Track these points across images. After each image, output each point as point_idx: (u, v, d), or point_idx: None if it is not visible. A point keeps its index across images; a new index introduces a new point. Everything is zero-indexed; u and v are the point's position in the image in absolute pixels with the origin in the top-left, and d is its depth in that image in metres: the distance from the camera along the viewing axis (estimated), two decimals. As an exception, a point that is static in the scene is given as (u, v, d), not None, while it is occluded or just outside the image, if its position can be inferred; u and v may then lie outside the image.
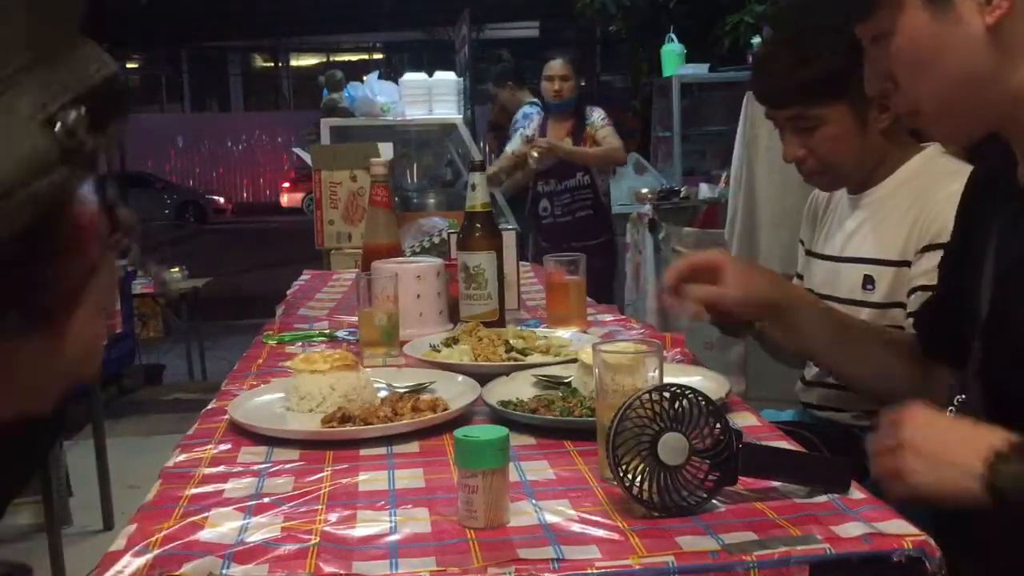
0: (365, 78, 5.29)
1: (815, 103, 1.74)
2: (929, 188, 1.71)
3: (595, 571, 0.93)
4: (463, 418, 1.42)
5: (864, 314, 1.75)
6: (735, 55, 6.30)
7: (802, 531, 0.99)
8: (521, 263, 2.35)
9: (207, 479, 1.20)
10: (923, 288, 1.61)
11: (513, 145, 5.00)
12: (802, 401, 2.01)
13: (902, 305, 1.73)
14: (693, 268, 1.54)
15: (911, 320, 1.62)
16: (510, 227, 2.18)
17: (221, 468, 1.25)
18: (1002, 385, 1.19)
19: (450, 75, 5.44)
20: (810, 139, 1.77)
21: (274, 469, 1.24)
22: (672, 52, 6.35)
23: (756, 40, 5.38)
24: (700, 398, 1.08)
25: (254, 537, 1.01)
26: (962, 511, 1.10)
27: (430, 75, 5.34)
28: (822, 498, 1.08)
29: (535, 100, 5.88)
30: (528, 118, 5.04)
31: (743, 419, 1.38)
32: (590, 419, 1.27)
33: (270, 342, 2.00)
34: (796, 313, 1.55)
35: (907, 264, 1.72)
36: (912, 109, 1.22)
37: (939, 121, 1.22)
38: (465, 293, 1.95)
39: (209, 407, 1.54)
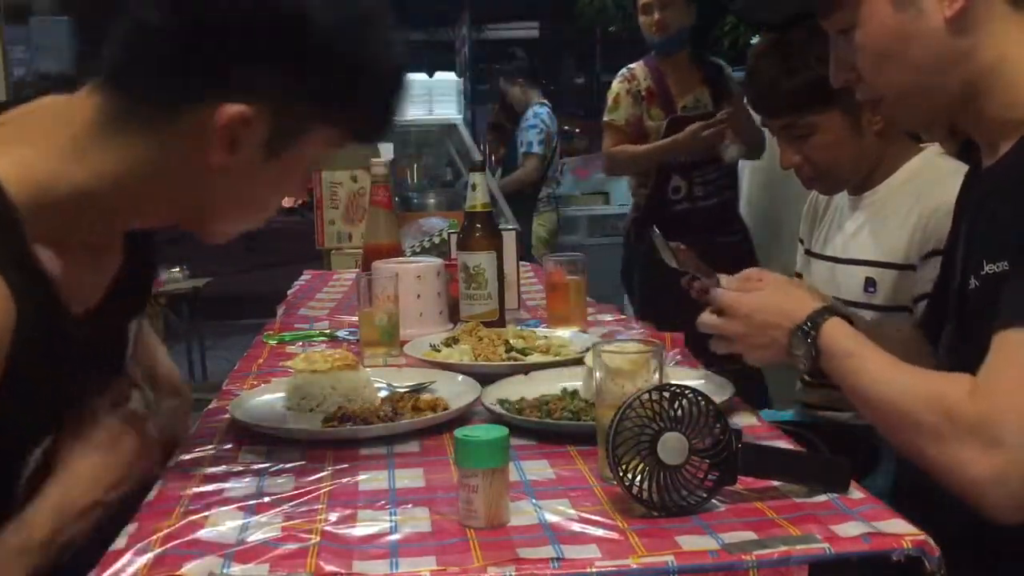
0: (365, 78, 5.27)
1: (805, 112, 1.74)
2: (930, 190, 1.71)
3: (595, 570, 0.93)
4: (463, 418, 1.42)
5: (867, 317, 1.75)
6: (735, 55, 6.31)
7: (801, 531, 0.99)
8: (521, 263, 2.35)
9: (208, 478, 1.20)
10: (930, 295, 1.61)
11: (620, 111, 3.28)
12: (802, 401, 2.01)
13: (907, 310, 1.72)
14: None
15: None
16: (510, 227, 2.18)
17: (222, 467, 1.25)
18: (966, 360, 1.22)
19: (450, 75, 5.45)
20: (804, 146, 1.78)
21: (275, 468, 1.24)
22: (672, 52, 6.33)
23: (756, 40, 5.37)
24: (700, 398, 1.08)
25: (255, 536, 1.01)
26: (960, 512, 1.10)
27: (430, 75, 5.34)
28: (821, 497, 1.08)
29: (544, 101, 5.85)
30: (626, 81, 3.41)
31: (743, 419, 1.38)
32: (589, 423, 1.27)
33: (271, 342, 2.00)
34: None
35: (910, 267, 1.72)
36: (875, 96, 1.27)
37: (899, 109, 1.28)
38: (465, 293, 1.96)
39: (210, 407, 1.54)
